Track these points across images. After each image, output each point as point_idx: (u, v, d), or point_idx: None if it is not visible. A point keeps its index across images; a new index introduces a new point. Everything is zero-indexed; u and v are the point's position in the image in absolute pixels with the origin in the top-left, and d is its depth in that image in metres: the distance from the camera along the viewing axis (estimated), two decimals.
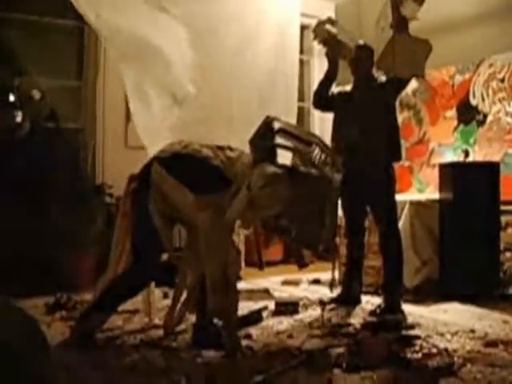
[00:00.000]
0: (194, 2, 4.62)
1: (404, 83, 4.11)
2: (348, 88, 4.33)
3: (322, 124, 7.16)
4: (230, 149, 3.21)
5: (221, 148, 3.19)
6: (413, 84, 6.06)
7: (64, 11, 5.12)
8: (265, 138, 3.03)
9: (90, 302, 3.31)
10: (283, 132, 3.03)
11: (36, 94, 5.17)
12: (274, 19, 5.23)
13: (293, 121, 5.49)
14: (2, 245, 4.36)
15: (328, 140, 3.95)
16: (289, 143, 3.01)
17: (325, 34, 4.15)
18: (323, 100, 4.32)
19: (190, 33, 4.45)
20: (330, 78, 4.26)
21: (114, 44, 4.07)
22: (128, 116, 5.24)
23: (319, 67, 6.95)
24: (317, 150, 3.08)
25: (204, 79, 4.57)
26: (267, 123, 3.06)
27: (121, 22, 4.00)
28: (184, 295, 3.43)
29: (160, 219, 3.13)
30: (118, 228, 3.29)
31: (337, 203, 3.30)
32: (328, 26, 4.16)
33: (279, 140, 2.98)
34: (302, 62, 7.00)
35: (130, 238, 3.19)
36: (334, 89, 4.38)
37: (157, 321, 3.74)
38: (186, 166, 3.12)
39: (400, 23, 3.75)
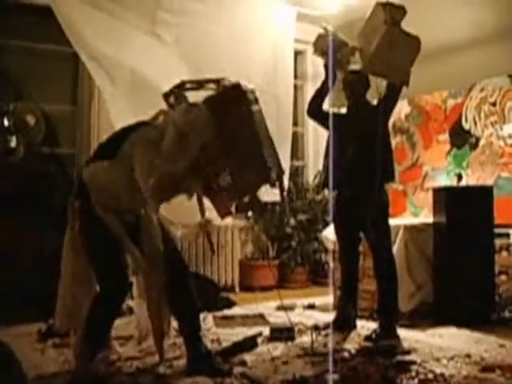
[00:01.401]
0: (186, 28, 4.67)
1: (394, 99, 4.10)
2: (342, 111, 4.35)
3: (316, 148, 7.19)
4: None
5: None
6: (406, 108, 6.13)
7: (59, 37, 5.15)
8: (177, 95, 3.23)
9: (78, 339, 3.14)
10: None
11: (31, 119, 5.19)
12: (268, 45, 5.29)
13: (287, 145, 5.53)
14: None
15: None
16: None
17: (324, 47, 4.18)
18: (317, 109, 4.31)
19: (182, 59, 4.49)
20: (326, 88, 4.26)
21: (100, 71, 4.11)
22: None
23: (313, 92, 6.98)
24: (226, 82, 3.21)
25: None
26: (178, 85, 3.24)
27: (110, 49, 4.05)
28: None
29: (110, 218, 3.01)
30: (67, 254, 3.16)
31: (267, 128, 3.27)
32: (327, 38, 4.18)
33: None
34: (295, 87, 7.05)
35: (83, 261, 3.10)
36: (329, 108, 4.37)
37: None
38: (113, 141, 3.17)
39: (392, 19, 3.84)
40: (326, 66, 4.21)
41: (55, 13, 4.40)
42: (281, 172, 3.25)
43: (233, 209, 3.47)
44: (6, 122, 5.06)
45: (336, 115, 4.26)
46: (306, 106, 7.22)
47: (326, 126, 4.28)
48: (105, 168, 3.05)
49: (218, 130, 3.00)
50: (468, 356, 3.49)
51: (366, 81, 4.23)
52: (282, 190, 3.30)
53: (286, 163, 5.54)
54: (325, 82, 4.22)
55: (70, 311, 3.13)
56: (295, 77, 6.85)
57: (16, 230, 4.69)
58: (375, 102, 4.22)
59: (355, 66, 4.27)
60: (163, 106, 3.30)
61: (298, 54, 7.12)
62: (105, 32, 4.36)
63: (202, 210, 3.21)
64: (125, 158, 3.00)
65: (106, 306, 3.08)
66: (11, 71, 5.44)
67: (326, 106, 4.36)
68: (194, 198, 3.19)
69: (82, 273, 3.13)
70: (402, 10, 3.87)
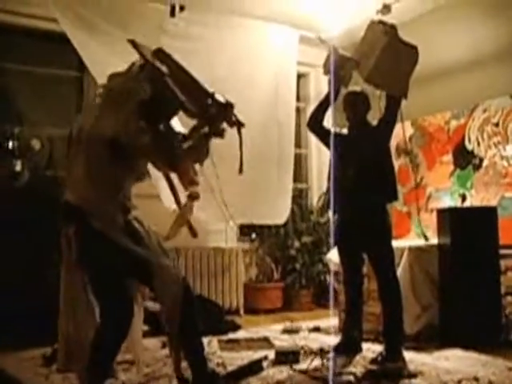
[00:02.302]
0: (190, 52, 4.71)
1: (394, 113, 4.10)
2: (344, 131, 4.35)
3: (320, 170, 7.21)
4: None
5: None
6: (409, 130, 6.15)
7: (64, 62, 5.21)
8: None
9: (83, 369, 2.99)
10: None
11: (36, 144, 5.22)
12: (271, 68, 5.33)
13: (289, 167, 5.55)
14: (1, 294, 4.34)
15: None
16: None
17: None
18: (317, 123, 4.30)
19: None
20: (327, 101, 4.26)
21: None
22: None
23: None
24: None
25: None
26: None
27: None
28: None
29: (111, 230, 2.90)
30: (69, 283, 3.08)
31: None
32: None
33: None
34: (298, 110, 7.10)
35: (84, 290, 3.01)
36: (332, 127, 4.36)
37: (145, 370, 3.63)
38: None
39: (391, 31, 3.94)
40: (329, 81, 4.22)
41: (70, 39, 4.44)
42: (222, 105, 3.05)
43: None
44: (10, 146, 5.10)
45: (337, 135, 4.26)
46: None
47: (326, 143, 4.27)
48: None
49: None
50: (476, 379, 3.46)
51: (367, 101, 4.24)
52: (232, 123, 3.10)
53: (288, 185, 5.55)
54: (327, 96, 4.23)
55: (73, 349, 3.04)
56: (298, 99, 6.90)
57: (20, 253, 4.69)
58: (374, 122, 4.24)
59: (356, 87, 4.30)
60: None
61: (300, 76, 7.17)
62: (107, 57, 4.40)
63: (176, 196, 3.21)
64: None
65: (112, 333, 2.95)
66: (16, 95, 5.49)
67: (328, 124, 4.36)
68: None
69: (83, 302, 3.05)
70: (394, 26, 3.98)
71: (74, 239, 2.90)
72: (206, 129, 3.04)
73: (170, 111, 3.07)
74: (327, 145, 4.27)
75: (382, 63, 3.91)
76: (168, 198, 4.35)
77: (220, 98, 3.04)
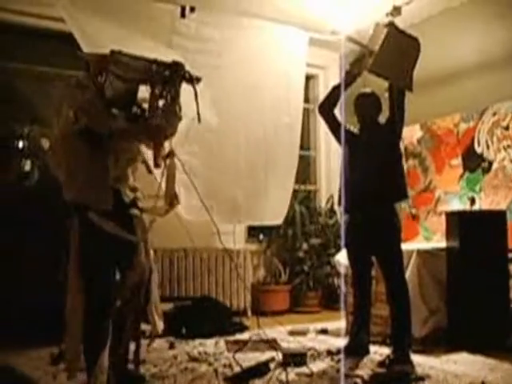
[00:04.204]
0: (201, 53, 4.73)
1: (401, 107, 4.08)
2: (355, 130, 4.34)
3: (329, 172, 7.22)
4: None
5: None
6: (418, 133, 6.14)
7: (74, 62, 5.20)
8: None
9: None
10: None
11: (45, 143, 5.23)
12: (281, 70, 5.33)
13: (293, 169, 5.55)
14: (10, 295, 4.35)
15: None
16: None
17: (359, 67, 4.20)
18: (328, 108, 4.27)
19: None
20: (340, 88, 4.23)
21: None
22: None
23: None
24: None
25: (210, 127, 4.65)
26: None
27: None
28: None
29: (103, 220, 3.09)
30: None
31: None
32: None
33: None
34: (307, 111, 7.10)
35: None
36: (343, 121, 4.33)
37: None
38: None
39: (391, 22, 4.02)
40: (346, 73, 4.20)
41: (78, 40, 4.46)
42: (168, 64, 3.19)
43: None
44: (20, 146, 5.12)
45: (349, 132, 4.25)
46: (317, 130, 7.38)
47: (335, 135, 4.26)
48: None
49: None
50: None
51: (378, 103, 4.24)
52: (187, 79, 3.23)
53: (290, 186, 5.54)
54: (344, 79, 4.20)
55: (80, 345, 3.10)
56: (307, 101, 6.90)
57: (30, 252, 4.71)
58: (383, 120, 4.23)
59: (367, 88, 4.29)
60: None
61: (310, 78, 7.18)
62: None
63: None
64: None
65: (95, 317, 3.09)
66: (27, 95, 5.51)
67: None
68: None
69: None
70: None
71: (73, 232, 3.12)
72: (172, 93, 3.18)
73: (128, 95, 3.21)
74: (336, 137, 4.25)
75: (385, 53, 3.91)
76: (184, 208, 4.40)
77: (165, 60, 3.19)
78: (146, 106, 3.21)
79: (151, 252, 3.49)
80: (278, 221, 5.64)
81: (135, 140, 3.32)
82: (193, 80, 3.23)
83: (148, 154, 3.49)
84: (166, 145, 3.35)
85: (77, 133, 3.05)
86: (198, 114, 3.28)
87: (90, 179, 3.10)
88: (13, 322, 4.22)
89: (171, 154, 3.41)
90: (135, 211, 3.33)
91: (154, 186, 3.47)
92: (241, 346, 4.45)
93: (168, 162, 3.38)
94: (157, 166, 3.30)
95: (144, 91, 3.21)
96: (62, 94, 3.26)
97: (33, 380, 2.38)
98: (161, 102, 3.15)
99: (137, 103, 3.24)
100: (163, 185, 3.42)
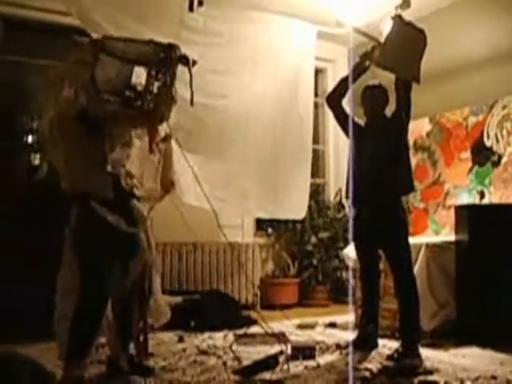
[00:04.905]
0: (210, 47, 4.72)
1: (407, 98, 4.07)
2: (362, 123, 4.33)
3: (337, 165, 7.21)
4: None
5: None
6: (427, 126, 6.12)
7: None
8: None
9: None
10: None
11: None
12: (290, 64, 5.32)
13: (308, 163, 5.53)
14: (20, 289, 4.38)
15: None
16: None
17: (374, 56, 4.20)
18: (336, 99, 4.27)
19: (205, 73, 4.50)
20: (350, 78, 4.23)
21: None
22: None
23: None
24: None
25: (218, 118, 4.65)
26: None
27: None
28: None
29: (104, 210, 3.08)
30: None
31: None
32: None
33: None
34: (316, 105, 7.08)
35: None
36: (351, 113, 4.33)
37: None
38: None
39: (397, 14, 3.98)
40: (356, 64, 4.20)
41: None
42: (164, 45, 3.16)
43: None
44: (30, 140, 5.14)
45: (355, 125, 4.24)
46: (326, 124, 7.36)
47: (342, 126, 4.26)
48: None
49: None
50: (494, 378, 3.42)
51: (385, 95, 4.22)
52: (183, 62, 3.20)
53: (306, 180, 5.52)
54: (352, 71, 4.19)
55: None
56: (316, 95, 6.88)
57: (38, 246, 4.73)
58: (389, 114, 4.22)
59: (374, 80, 4.28)
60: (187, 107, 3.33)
61: (318, 71, 7.16)
62: None
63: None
64: None
65: (88, 311, 3.08)
66: (35, 89, 5.52)
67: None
68: None
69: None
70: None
71: (70, 224, 3.14)
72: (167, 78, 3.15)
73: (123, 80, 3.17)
74: (344, 129, 4.25)
75: (392, 46, 3.90)
76: (187, 192, 4.38)
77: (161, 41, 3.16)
78: (140, 89, 3.16)
79: (152, 242, 3.48)
80: (300, 216, 5.59)
81: (130, 125, 3.26)
82: (189, 62, 3.19)
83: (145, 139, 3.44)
84: (162, 128, 3.33)
85: (73, 116, 3.01)
86: (192, 97, 3.22)
87: (87, 164, 3.07)
88: (21, 313, 4.23)
89: (168, 137, 3.37)
90: (134, 201, 3.28)
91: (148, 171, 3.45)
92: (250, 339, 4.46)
93: (164, 146, 3.35)
94: (151, 151, 3.27)
95: (137, 77, 3.19)
96: (64, 72, 3.19)
97: (51, 373, 2.39)
98: (156, 86, 3.11)
99: (131, 86, 3.18)
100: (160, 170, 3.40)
